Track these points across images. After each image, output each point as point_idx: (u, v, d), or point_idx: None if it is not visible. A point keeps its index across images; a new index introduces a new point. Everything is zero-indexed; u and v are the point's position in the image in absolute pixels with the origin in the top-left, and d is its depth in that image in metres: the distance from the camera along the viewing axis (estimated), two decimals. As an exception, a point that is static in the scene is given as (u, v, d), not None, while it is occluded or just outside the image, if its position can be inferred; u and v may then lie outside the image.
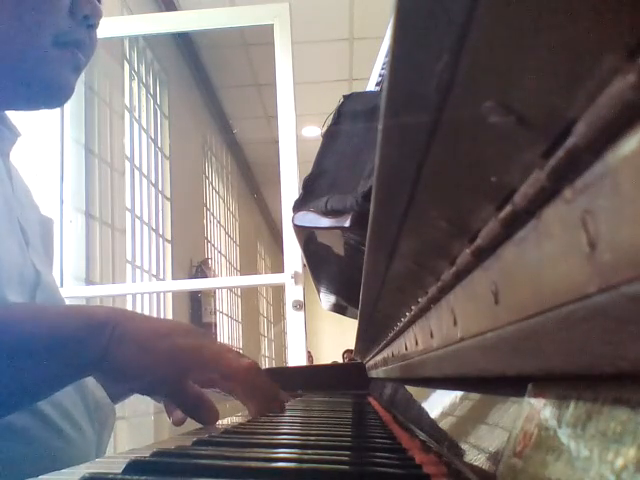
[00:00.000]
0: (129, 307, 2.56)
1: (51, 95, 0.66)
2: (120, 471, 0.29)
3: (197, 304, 3.45)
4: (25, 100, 0.66)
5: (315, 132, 3.98)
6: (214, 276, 3.79)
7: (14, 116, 0.71)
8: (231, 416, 0.72)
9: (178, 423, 0.60)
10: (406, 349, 0.48)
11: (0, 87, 0.63)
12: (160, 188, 3.10)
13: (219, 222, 4.42)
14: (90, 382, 0.66)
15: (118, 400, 0.74)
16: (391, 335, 0.58)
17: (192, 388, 0.57)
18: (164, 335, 0.55)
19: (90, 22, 0.65)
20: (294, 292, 2.04)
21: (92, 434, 0.63)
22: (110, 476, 0.28)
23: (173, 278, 3.08)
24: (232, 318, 4.64)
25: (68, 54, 0.64)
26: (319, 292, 1.22)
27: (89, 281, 2.16)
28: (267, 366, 5.99)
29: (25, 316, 0.52)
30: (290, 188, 2.07)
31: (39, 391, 0.52)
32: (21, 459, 0.52)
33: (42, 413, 0.56)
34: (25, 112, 0.70)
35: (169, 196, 3.17)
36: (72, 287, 2.06)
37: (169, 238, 3.13)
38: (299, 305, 2.02)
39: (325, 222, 0.67)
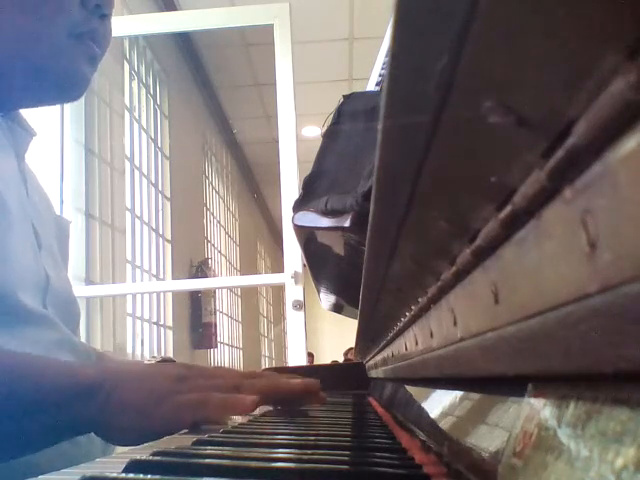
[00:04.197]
0: (129, 307, 2.57)
1: (66, 88, 0.65)
2: (120, 471, 0.29)
3: (197, 304, 3.45)
4: (40, 94, 0.65)
5: (315, 132, 3.98)
6: (214, 276, 3.79)
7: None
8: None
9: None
10: (406, 349, 0.48)
11: (15, 82, 0.63)
12: (160, 188, 3.10)
13: (219, 222, 4.41)
14: None
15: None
16: (391, 335, 0.58)
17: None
18: (162, 396, 0.52)
19: (103, 12, 0.64)
20: (294, 292, 2.04)
21: (98, 438, 0.63)
22: (110, 476, 0.28)
23: (173, 278, 3.08)
24: (232, 318, 4.64)
25: (82, 46, 0.63)
26: (319, 292, 1.22)
27: (89, 281, 2.16)
28: (267, 366, 5.99)
29: (12, 370, 0.49)
30: (290, 188, 2.07)
31: (24, 448, 0.50)
32: (30, 461, 0.51)
33: None
34: (44, 107, 0.69)
35: (169, 196, 3.17)
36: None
37: (169, 238, 3.13)
38: (299, 305, 2.02)
39: (325, 222, 0.67)
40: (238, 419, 0.67)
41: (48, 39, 0.61)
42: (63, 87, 0.65)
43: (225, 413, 0.53)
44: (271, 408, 0.74)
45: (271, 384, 0.60)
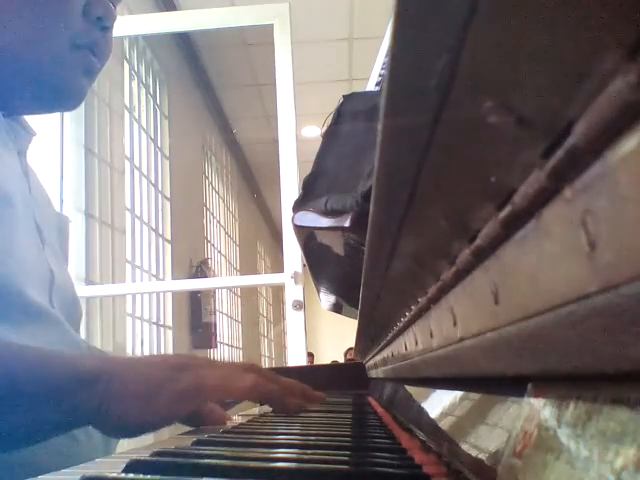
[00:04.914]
0: (129, 307, 2.57)
1: (62, 98, 0.66)
2: (120, 471, 0.29)
3: (197, 304, 3.44)
4: (37, 103, 0.66)
5: (315, 132, 3.98)
6: (214, 276, 3.79)
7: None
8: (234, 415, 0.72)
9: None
10: (406, 349, 0.48)
11: (14, 90, 0.63)
12: (160, 188, 3.10)
13: (219, 222, 4.41)
14: None
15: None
16: (391, 335, 0.58)
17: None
18: (161, 385, 0.51)
19: (104, 24, 0.65)
20: (294, 292, 2.04)
21: (99, 437, 0.63)
22: (110, 476, 0.28)
23: (173, 278, 3.08)
24: (232, 318, 4.64)
25: (81, 57, 0.64)
26: (319, 292, 1.22)
27: (89, 281, 2.16)
28: (267, 366, 5.99)
29: (11, 362, 0.48)
30: (290, 188, 2.06)
31: (25, 439, 0.49)
32: (32, 460, 0.51)
33: None
34: (39, 115, 0.70)
35: (169, 196, 3.17)
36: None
37: (169, 238, 3.13)
38: (299, 305, 2.02)
39: (325, 222, 0.67)
40: (238, 419, 0.67)
41: (48, 49, 0.62)
42: (59, 97, 0.65)
43: (224, 395, 0.52)
44: (271, 408, 0.74)
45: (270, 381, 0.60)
